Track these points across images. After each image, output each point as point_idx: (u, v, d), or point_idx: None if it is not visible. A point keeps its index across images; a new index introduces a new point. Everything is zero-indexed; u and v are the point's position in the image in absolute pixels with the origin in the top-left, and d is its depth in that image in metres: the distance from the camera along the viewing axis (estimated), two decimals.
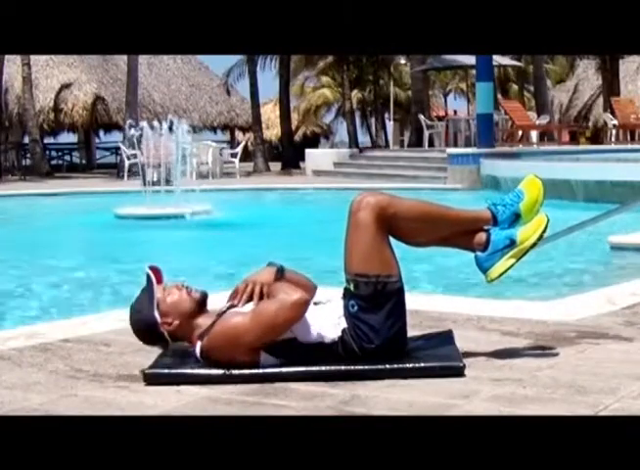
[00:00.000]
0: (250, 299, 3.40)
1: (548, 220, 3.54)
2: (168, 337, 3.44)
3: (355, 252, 3.40)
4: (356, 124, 34.91)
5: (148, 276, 3.46)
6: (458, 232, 3.56)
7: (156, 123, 15.22)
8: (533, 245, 3.51)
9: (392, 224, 3.43)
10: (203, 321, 3.41)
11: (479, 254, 3.54)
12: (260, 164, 28.24)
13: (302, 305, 3.31)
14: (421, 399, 3.05)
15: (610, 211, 7.07)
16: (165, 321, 3.41)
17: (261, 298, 3.38)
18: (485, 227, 3.56)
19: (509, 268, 3.51)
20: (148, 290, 3.46)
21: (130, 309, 3.51)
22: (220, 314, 3.40)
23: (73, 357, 3.67)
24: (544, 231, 3.52)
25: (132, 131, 16.82)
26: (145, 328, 3.45)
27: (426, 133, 25.38)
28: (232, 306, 3.42)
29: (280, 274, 3.44)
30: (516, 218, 3.55)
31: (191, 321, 3.42)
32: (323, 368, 3.31)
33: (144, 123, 15.84)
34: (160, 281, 3.48)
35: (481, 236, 3.55)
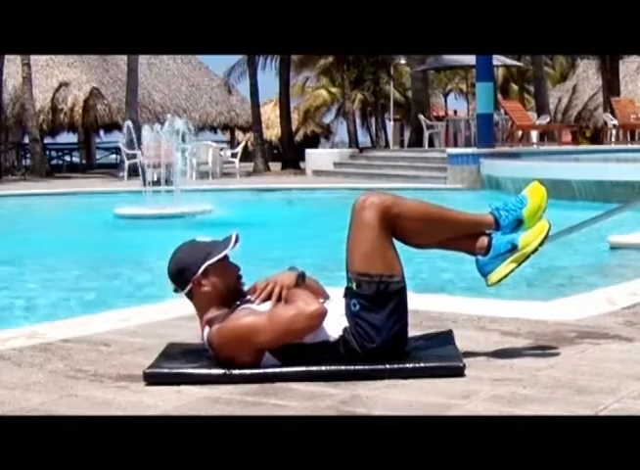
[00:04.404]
0: (267, 298, 3.40)
1: (550, 226, 3.54)
2: (185, 292, 3.45)
3: (358, 251, 3.39)
4: (356, 124, 34.93)
5: (229, 238, 3.46)
6: (460, 235, 3.56)
7: (154, 123, 15.23)
8: (535, 250, 3.51)
9: (396, 224, 3.42)
10: (219, 307, 3.41)
11: (480, 257, 3.53)
12: (260, 164, 28.22)
13: (319, 317, 3.31)
14: (421, 399, 3.05)
15: (610, 211, 7.09)
16: (200, 280, 3.41)
17: (279, 300, 3.38)
18: (488, 231, 3.56)
19: (509, 273, 3.51)
20: (217, 245, 3.46)
21: (190, 242, 3.52)
22: (235, 307, 3.39)
23: (73, 357, 3.67)
24: (546, 237, 3.52)
25: (127, 133, 16.83)
26: (181, 266, 3.44)
27: (426, 133, 25.35)
28: (247, 302, 3.42)
29: (301, 280, 3.45)
30: (518, 224, 3.55)
31: (215, 300, 3.41)
32: (323, 368, 3.30)
33: (145, 125, 15.86)
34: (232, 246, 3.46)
35: (483, 240, 3.54)
